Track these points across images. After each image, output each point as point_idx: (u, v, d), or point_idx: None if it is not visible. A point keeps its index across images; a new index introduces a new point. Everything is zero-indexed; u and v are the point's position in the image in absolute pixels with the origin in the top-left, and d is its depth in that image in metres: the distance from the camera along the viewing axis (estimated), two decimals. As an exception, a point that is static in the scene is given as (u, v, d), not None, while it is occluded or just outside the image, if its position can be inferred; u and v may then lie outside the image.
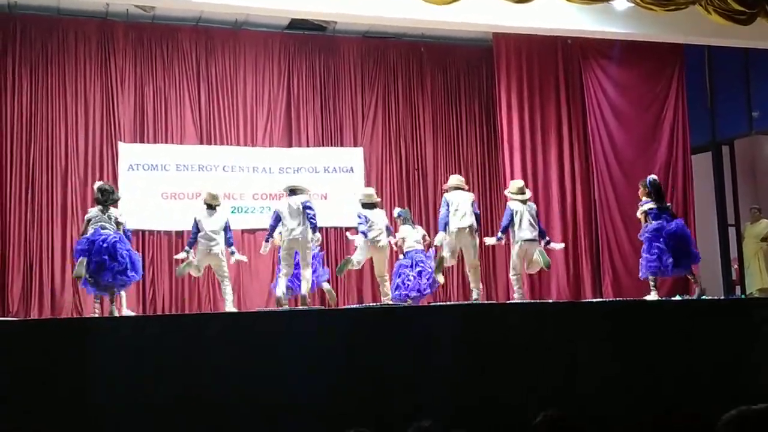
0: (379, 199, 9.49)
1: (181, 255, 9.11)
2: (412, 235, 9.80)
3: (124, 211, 9.74)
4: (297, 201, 8.58)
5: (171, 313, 10.32)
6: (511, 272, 9.14)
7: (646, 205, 9.10)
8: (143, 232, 10.70)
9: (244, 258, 9.48)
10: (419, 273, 9.49)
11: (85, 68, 10.76)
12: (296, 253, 8.64)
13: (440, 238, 8.90)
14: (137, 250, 10.49)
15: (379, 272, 9.16)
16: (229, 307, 8.80)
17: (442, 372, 6.09)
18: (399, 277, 9.65)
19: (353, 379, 5.89)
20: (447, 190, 9.08)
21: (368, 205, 9.10)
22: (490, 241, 9.47)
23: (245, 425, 5.50)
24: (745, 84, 11.73)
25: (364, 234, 8.88)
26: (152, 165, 10.91)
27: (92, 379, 5.44)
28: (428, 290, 9.56)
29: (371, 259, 9.20)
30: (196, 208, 9.25)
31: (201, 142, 11.18)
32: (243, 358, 5.80)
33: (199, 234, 8.78)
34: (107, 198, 7.95)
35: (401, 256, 9.80)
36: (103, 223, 7.78)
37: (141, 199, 10.73)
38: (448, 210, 8.79)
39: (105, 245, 7.63)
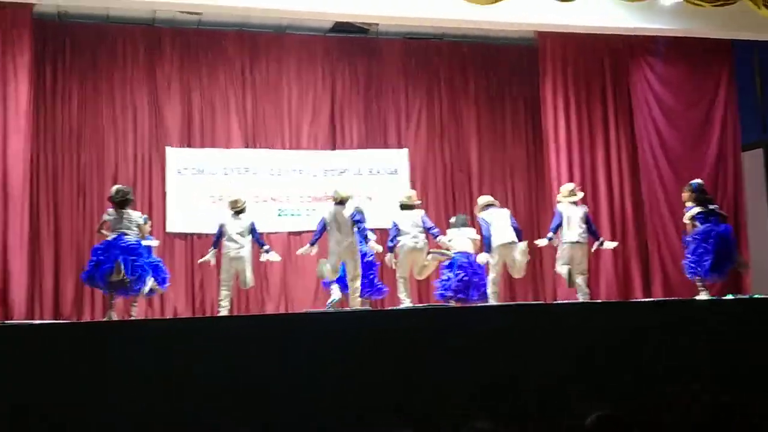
0: (418, 202, 9.49)
1: (207, 258, 9.20)
2: (457, 237, 9.78)
3: (173, 215, 9.97)
4: (345, 213, 8.64)
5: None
6: (557, 269, 9.40)
7: (693, 209, 9.11)
8: (191, 235, 10.84)
9: (277, 257, 9.51)
10: (457, 275, 9.45)
11: (132, 74, 10.92)
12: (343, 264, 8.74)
13: (484, 258, 9.16)
14: (186, 254, 10.76)
15: (415, 273, 9.16)
16: (224, 312, 8.82)
17: (488, 371, 6.06)
18: (441, 277, 9.64)
19: (397, 379, 5.88)
20: (479, 212, 9.32)
21: (407, 206, 9.13)
22: (540, 242, 9.54)
23: (285, 425, 5.51)
24: (797, 79, 11.51)
25: (390, 249, 8.94)
26: (200, 169, 11.04)
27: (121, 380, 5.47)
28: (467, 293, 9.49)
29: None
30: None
31: (247, 146, 11.28)
32: (288, 359, 5.82)
33: (224, 238, 8.86)
34: (122, 198, 8.06)
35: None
36: (125, 230, 7.92)
37: (189, 203, 10.87)
38: (488, 229, 9.09)
39: (125, 247, 7.80)
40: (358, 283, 8.66)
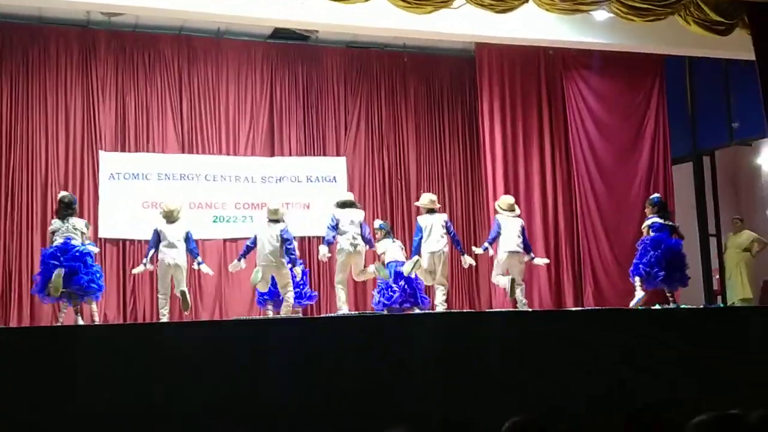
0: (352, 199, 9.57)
1: (139, 269, 9.15)
2: (392, 248, 9.81)
3: (105, 221, 9.83)
4: (276, 230, 8.66)
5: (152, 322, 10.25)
6: (493, 278, 9.59)
7: (652, 219, 9.42)
8: (124, 241, 10.67)
9: (210, 271, 9.49)
10: (402, 285, 9.46)
11: (66, 76, 10.72)
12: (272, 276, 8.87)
13: (411, 263, 9.12)
14: (118, 260, 10.60)
15: (354, 275, 9.18)
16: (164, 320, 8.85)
17: (423, 379, 6.07)
18: (380, 288, 9.62)
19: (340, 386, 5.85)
20: (420, 211, 9.32)
21: (344, 204, 9.13)
22: (476, 251, 9.64)
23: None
24: (725, 95, 11.81)
25: (328, 243, 8.91)
26: (133, 174, 10.86)
27: (78, 386, 5.37)
28: (411, 301, 9.53)
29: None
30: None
31: (183, 151, 11.15)
32: (225, 366, 5.76)
33: (161, 244, 8.79)
34: (65, 210, 8.14)
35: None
36: (70, 234, 7.89)
37: (122, 208, 10.69)
38: (421, 235, 9.06)
39: (78, 253, 7.73)
40: (291, 295, 8.77)
